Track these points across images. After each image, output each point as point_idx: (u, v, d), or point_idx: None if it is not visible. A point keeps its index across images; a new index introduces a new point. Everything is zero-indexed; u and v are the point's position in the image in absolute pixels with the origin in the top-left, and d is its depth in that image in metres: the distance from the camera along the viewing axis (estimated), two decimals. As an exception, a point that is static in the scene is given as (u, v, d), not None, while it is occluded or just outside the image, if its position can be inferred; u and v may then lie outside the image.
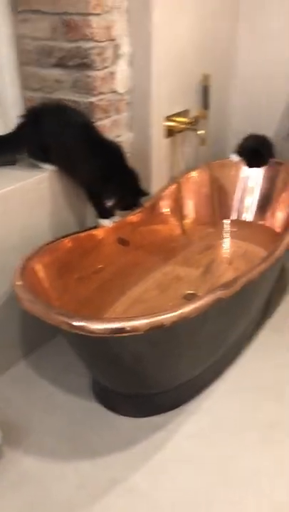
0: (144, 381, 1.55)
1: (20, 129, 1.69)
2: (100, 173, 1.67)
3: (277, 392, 1.71)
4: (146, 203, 2.00)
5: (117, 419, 1.61)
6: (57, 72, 1.77)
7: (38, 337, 1.91)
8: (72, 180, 1.75)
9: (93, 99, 1.75)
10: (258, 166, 2.27)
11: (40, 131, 1.65)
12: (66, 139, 1.64)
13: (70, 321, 1.22)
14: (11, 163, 1.74)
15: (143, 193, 1.79)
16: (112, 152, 1.71)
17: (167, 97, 1.99)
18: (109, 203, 1.70)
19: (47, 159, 1.69)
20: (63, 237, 1.69)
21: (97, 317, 1.62)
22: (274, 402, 1.67)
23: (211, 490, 1.39)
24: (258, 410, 1.64)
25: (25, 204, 1.65)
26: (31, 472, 1.44)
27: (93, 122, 1.72)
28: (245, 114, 2.55)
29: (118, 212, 1.79)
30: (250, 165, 2.25)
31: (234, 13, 2.31)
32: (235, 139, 2.58)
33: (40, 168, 1.70)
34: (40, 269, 1.55)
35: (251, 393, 1.71)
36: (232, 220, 2.37)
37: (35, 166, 1.72)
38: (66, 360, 1.84)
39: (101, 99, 1.78)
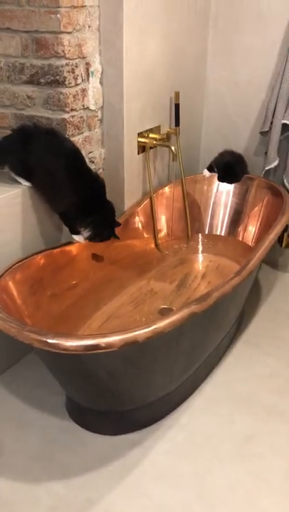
0: (119, 397, 1.54)
1: (5, 142, 1.69)
2: (79, 205, 1.68)
3: (252, 405, 1.72)
4: (119, 218, 2.01)
5: (92, 438, 1.59)
6: (29, 89, 1.77)
7: (10, 355, 1.88)
8: (48, 205, 1.75)
9: (65, 115, 1.76)
10: (232, 181, 2.31)
11: (27, 152, 1.65)
12: (51, 166, 1.64)
13: (43, 339, 1.20)
14: None
15: (116, 224, 1.80)
16: (94, 186, 1.71)
17: (139, 113, 2.02)
18: (85, 235, 1.72)
19: (28, 178, 1.69)
20: (36, 253, 1.67)
21: (71, 334, 1.60)
22: (249, 416, 1.68)
23: (187, 506, 1.38)
24: (233, 424, 1.65)
25: (-3, 220, 1.63)
26: (2, 495, 1.41)
27: (81, 153, 1.72)
28: (216, 130, 2.60)
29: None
30: (224, 180, 2.29)
31: (203, 30, 2.37)
32: (206, 155, 2.63)
33: (16, 182, 1.70)
34: (12, 287, 1.53)
35: (226, 407, 1.71)
36: (205, 235, 2.40)
37: (8, 182, 1.71)
38: (39, 377, 1.82)
39: (73, 116, 1.79)
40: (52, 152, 1.64)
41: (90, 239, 1.74)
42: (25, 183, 1.70)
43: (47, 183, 1.68)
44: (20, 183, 1.70)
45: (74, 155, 1.68)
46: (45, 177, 1.67)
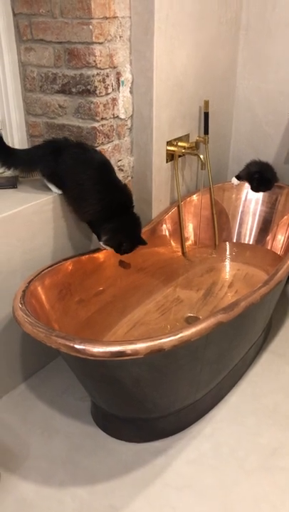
0: (144, 405, 1.54)
1: (38, 150, 1.73)
2: (104, 214, 1.70)
3: (279, 417, 1.69)
4: (147, 225, 2.02)
5: (117, 444, 1.59)
6: (60, 98, 1.81)
7: (38, 360, 1.90)
8: (76, 214, 1.78)
9: (96, 124, 1.78)
10: (266, 190, 2.29)
11: (58, 162, 1.68)
12: (81, 178, 1.67)
13: (70, 344, 1.21)
14: (12, 186, 1.78)
15: (141, 242, 1.78)
16: (121, 198, 1.72)
17: (168, 122, 2.03)
18: (109, 246, 1.73)
19: (59, 186, 1.73)
20: (64, 259, 1.70)
21: (98, 340, 1.61)
22: (275, 427, 1.65)
23: (211, 518, 1.36)
24: (259, 435, 1.62)
25: (28, 227, 1.66)
26: (28, 499, 1.42)
27: (110, 165, 1.74)
28: (245, 138, 2.58)
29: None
30: (258, 190, 2.27)
31: (234, 39, 2.37)
32: (235, 163, 2.62)
33: (47, 189, 1.74)
34: (41, 292, 1.55)
35: (253, 418, 1.69)
36: (233, 243, 2.38)
37: (40, 189, 1.75)
38: (66, 383, 1.83)
39: (103, 125, 1.81)
40: (82, 164, 1.67)
41: (115, 250, 1.75)
42: (56, 191, 1.73)
43: (75, 193, 1.70)
44: (51, 190, 1.74)
45: (103, 167, 1.70)
46: (74, 188, 1.69)
